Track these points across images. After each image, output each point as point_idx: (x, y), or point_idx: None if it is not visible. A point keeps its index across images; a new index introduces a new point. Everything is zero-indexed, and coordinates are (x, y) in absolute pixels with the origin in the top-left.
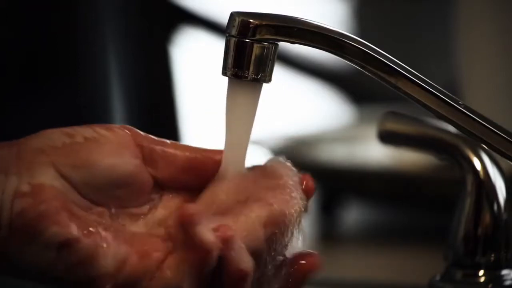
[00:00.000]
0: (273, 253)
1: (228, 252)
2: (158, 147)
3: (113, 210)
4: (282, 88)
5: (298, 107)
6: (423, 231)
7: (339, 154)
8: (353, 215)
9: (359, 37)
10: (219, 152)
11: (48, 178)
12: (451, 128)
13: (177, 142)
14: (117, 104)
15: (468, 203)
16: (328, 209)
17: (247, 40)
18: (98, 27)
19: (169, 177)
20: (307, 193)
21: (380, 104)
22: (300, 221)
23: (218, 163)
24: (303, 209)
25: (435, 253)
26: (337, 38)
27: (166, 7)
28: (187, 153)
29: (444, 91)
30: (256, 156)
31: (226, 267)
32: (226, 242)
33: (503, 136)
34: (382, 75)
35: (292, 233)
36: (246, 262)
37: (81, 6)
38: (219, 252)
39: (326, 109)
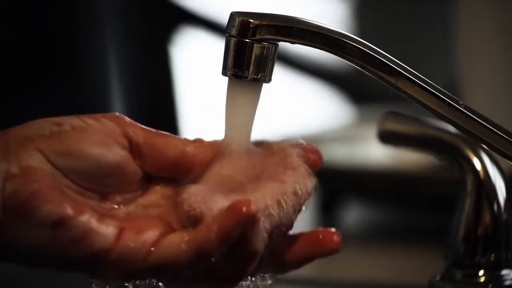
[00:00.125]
0: (283, 229)
1: (249, 231)
2: (146, 141)
3: (103, 195)
4: (282, 88)
5: (298, 107)
6: (423, 231)
7: (339, 154)
8: (353, 215)
9: (359, 37)
10: (210, 144)
11: (36, 161)
12: (451, 128)
13: (168, 134)
14: (117, 104)
15: (468, 203)
16: (328, 209)
17: (247, 40)
18: (98, 27)
19: (157, 170)
20: (314, 166)
21: (380, 104)
22: (310, 196)
23: (208, 157)
24: (313, 185)
25: (435, 253)
26: (337, 38)
27: (166, 7)
28: (176, 147)
29: (444, 91)
30: None
31: (241, 246)
32: (252, 221)
33: (503, 136)
34: (382, 75)
35: (301, 209)
36: (261, 242)
37: (81, 6)
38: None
39: (326, 109)
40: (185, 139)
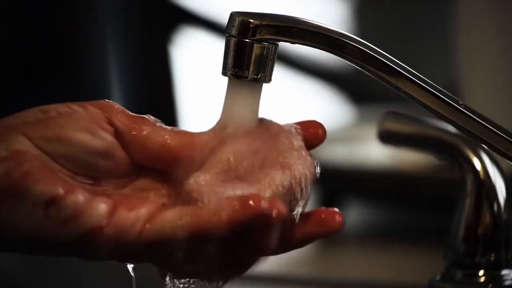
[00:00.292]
0: (289, 219)
1: (264, 228)
2: (129, 130)
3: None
4: (282, 88)
5: (298, 107)
6: (423, 231)
7: (339, 154)
8: (353, 215)
9: (359, 37)
10: (198, 135)
11: (25, 146)
12: (451, 128)
13: (157, 124)
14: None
15: (468, 203)
16: None
17: (247, 40)
18: (98, 27)
19: (142, 160)
20: (315, 138)
21: (380, 104)
22: (314, 180)
23: (196, 149)
24: (317, 169)
25: (435, 253)
26: (337, 38)
27: (166, 7)
28: (158, 141)
29: (444, 91)
30: None
31: (254, 241)
32: (261, 213)
33: (503, 136)
34: (382, 75)
35: (308, 195)
36: (275, 239)
37: (81, 6)
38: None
39: (326, 109)
40: (172, 131)
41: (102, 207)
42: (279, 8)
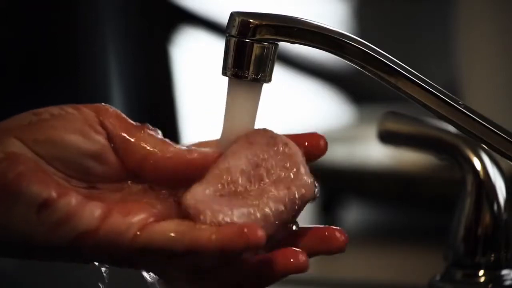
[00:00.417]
0: (279, 235)
1: (253, 250)
2: (119, 135)
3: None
4: (282, 88)
5: (298, 107)
6: (423, 231)
7: (339, 154)
8: (353, 215)
9: (359, 37)
10: (187, 152)
11: (19, 149)
12: (451, 128)
13: (149, 132)
14: (117, 104)
15: (468, 203)
16: (328, 209)
17: (247, 40)
18: (98, 27)
19: (131, 167)
20: (316, 149)
21: (380, 104)
22: (312, 200)
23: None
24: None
25: (435, 253)
26: (337, 38)
27: (166, 7)
28: (142, 151)
29: (444, 91)
30: None
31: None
32: (255, 245)
33: (503, 136)
34: (382, 75)
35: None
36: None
37: (81, 6)
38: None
39: (326, 109)
40: (162, 142)
41: (95, 210)
42: (279, 8)
